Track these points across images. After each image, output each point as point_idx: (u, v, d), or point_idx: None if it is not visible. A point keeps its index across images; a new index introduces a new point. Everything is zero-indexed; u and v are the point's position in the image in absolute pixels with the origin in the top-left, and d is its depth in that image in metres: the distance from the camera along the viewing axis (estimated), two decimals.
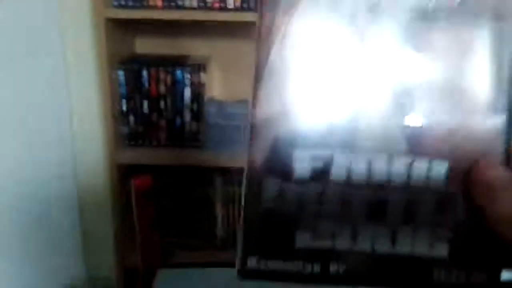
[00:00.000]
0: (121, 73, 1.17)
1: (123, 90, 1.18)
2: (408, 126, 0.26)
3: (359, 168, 0.26)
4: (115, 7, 1.11)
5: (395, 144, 0.26)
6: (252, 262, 0.26)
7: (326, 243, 0.26)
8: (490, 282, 0.26)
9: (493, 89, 0.26)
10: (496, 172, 0.25)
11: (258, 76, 0.25)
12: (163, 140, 1.22)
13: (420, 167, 0.26)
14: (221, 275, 0.65)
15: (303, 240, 0.26)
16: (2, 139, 0.91)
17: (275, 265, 0.26)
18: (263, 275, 0.26)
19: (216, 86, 1.31)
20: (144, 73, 1.17)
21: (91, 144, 1.27)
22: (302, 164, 0.26)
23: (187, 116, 1.20)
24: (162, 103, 1.20)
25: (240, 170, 0.28)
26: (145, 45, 1.31)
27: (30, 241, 1.00)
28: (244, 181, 0.26)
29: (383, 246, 0.26)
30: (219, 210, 1.30)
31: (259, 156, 0.26)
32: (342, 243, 0.26)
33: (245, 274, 0.26)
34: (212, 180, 1.28)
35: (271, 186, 0.26)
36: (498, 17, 0.26)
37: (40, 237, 1.05)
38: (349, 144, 0.26)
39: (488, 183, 0.25)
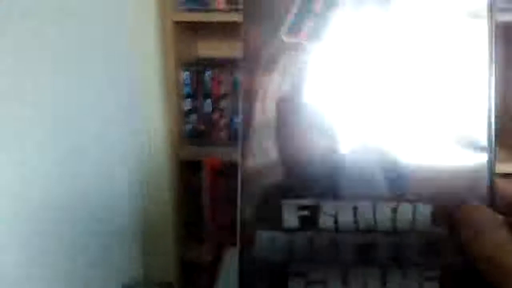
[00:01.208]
0: (186, 74, 1.21)
1: (187, 90, 1.22)
2: (391, 170, 0.26)
3: (346, 215, 0.27)
4: (181, 10, 1.14)
5: (378, 189, 0.27)
6: None
7: (318, 287, 0.27)
8: None
9: (475, 127, 0.26)
10: (480, 213, 0.25)
11: (244, 132, 0.27)
12: (224, 139, 1.26)
13: (405, 211, 0.27)
14: None
15: (295, 286, 0.27)
16: (72, 134, 0.98)
17: None
18: None
19: None
20: (207, 74, 1.21)
21: (155, 141, 1.33)
22: (290, 214, 0.27)
23: None
24: (223, 103, 1.23)
25: None
26: (207, 48, 1.35)
27: (92, 240, 1.06)
28: (238, 234, 0.27)
29: (375, 287, 0.27)
30: None
31: (249, 208, 0.27)
32: (334, 286, 0.27)
33: None
34: None
35: (262, 236, 0.27)
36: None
37: (102, 236, 1.11)
38: (334, 192, 0.27)
39: (473, 226, 0.25)
